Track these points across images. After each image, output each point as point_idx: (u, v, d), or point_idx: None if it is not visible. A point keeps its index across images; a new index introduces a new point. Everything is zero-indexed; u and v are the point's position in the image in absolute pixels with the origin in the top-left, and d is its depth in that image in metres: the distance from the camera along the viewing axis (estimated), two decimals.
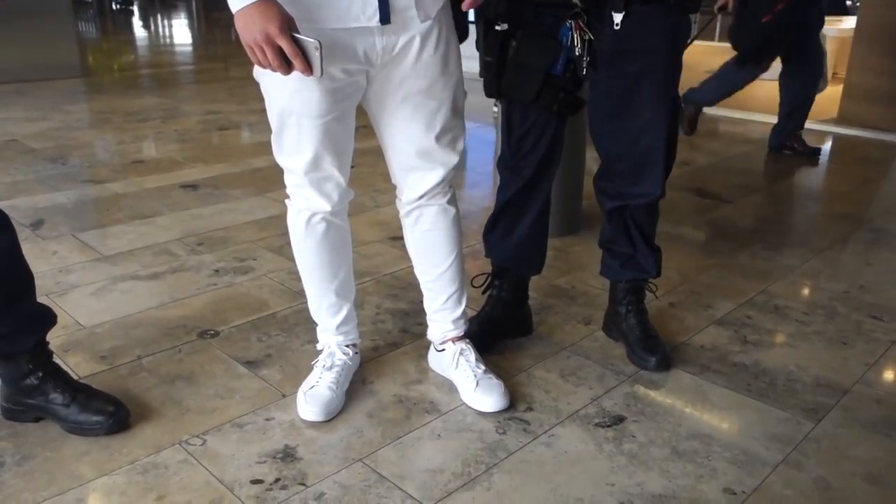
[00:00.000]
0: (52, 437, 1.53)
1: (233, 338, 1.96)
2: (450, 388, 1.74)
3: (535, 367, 1.86)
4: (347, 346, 1.73)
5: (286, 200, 1.60)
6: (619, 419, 1.65)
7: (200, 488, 1.40)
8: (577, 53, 1.62)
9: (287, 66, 1.25)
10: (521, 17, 1.63)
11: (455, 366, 1.70)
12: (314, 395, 1.62)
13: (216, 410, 1.64)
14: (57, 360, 1.63)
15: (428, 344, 1.84)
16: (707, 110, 5.22)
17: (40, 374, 1.56)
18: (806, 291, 2.35)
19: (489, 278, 1.97)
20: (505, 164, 1.83)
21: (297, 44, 1.24)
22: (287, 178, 1.55)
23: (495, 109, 3.17)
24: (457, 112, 1.54)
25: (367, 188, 3.28)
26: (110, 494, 1.38)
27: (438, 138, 1.52)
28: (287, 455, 1.50)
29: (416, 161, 1.55)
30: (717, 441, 1.59)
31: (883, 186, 3.61)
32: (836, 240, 2.80)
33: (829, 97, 5.49)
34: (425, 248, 1.69)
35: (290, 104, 1.41)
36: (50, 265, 2.38)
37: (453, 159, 1.57)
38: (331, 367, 1.68)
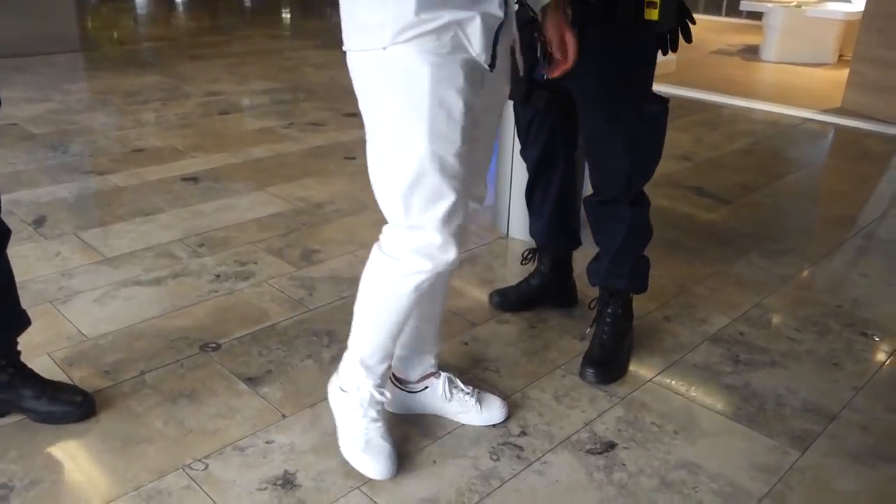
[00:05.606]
0: (59, 461, 1.58)
1: (234, 351, 2.00)
2: None
3: (530, 388, 1.90)
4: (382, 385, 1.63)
5: (383, 258, 1.45)
6: (611, 445, 1.70)
7: None
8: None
9: None
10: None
11: (449, 397, 1.73)
12: (374, 450, 1.56)
13: (218, 431, 1.68)
14: (58, 372, 1.68)
15: None
16: (707, 97, 5.21)
17: (11, 371, 1.67)
18: (799, 305, 2.38)
19: (531, 253, 2.27)
20: (521, 152, 2.14)
21: None
22: (403, 241, 1.40)
23: None
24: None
25: (365, 183, 3.20)
26: None
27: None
28: (287, 482, 1.55)
29: None
30: (705, 471, 1.63)
31: (880, 187, 3.62)
32: (832, 247, 2.83)
33: (834, 83, 5.47)
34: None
35: (434, 145, 1.30)
36: (53, 268, 2.40)
37: (484, 192, 1.59)
38: (376, 418, 1.59)
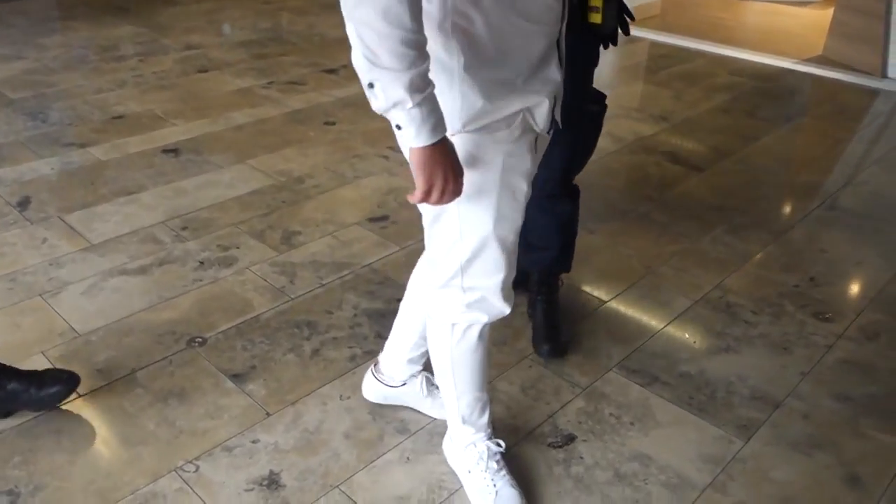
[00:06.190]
0: (61, 465, 1.71)
1: (219, 346, 2.11)
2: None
3: (499, 379, 2.03)
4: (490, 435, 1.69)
5: (440, 328, 1.52)
6: (571, 438, 1.84)
7: None
8: None
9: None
10: None
11: (425, 394, 1.85)
12: (506, 500, 1.61)
13: (207, 432, 1.81)
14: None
15: None
16: (689, 45, 5.19)
17: None
18: (758, 286, 2.50)
19: None
20: None
21: None
22: (456, 300, 1.44)
23: None
24: None
25: (345, 153, 3.33)
26: None
27: None
28: (272, 482, 1.69)
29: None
30: (656, 462, 1.78)
31: (849, 149, 3.69)
32: (796, 219, 2.93)
33: (818, 28, 5.44)
34: None
35: (498, 227, 1.35)
36: (41, 256, 2.48)
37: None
38: (498, 469, 1.65)
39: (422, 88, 1.09)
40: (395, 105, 1.09)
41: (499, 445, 1.68)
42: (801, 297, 2.44)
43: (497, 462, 1.66)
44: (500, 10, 1.15)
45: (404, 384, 1.86)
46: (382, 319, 2.24)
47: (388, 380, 1.86)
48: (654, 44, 5.27)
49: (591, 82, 1.95)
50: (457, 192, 1.21)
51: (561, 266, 2.22)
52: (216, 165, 3.18)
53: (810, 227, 2.89)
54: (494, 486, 1.63)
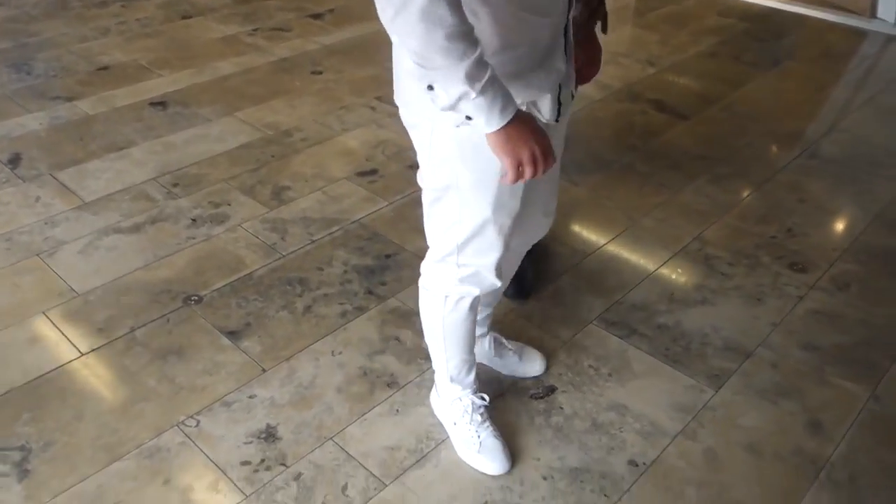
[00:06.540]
0: (68, 422, 1.80)
1: (214, 304, 2.18)
2: (408, 359, 2.01)
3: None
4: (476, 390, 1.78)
5: (432, 297, 1.58)
6: (552, 390, 1.95)
7: (199, 471, 1.70)
8: None
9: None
10: None
11: (494, 353, 1.95)
12: (489, 451, 1.72)
13: (206, 388, 1.91)
14: (55, 331, 1.87)
15: (392, 308, 2.09)
16: None
17: None
18: (735, 237, 2.58)
19: None
20: None
21: None
22: (450, 274, 1.51)
23: None
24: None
25: (332, 104, 3.34)
26: (124, 480, 1.67)
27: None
28: (269, 435, 1.79)
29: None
30: (631, 411, 1.89)
31: (833, 95, 3.72)
32: (777, 169, 2.99)
33: None
34: None
35: (496, 214, 1.39)
36: (35, 216, 2.52)
37: (554, 208, 1.67)
38: (482, 421, 1.75)
39: (480, 76, 1.09)
40: (459, 99, 1.10)
41: (483, 399, 1.77)
42: (777, 248, 2.52)
43: (481, 414, 1.76)
44: (507, 4, 1.17)
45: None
46: (372, 276, 2.32)
47: None
48: None
49: None
50: (549, 159, 1.21)
51: None
52: (204, 118, 3.19)
53: (791, 176, 2.95)
54: (479, 436, 1.73)
